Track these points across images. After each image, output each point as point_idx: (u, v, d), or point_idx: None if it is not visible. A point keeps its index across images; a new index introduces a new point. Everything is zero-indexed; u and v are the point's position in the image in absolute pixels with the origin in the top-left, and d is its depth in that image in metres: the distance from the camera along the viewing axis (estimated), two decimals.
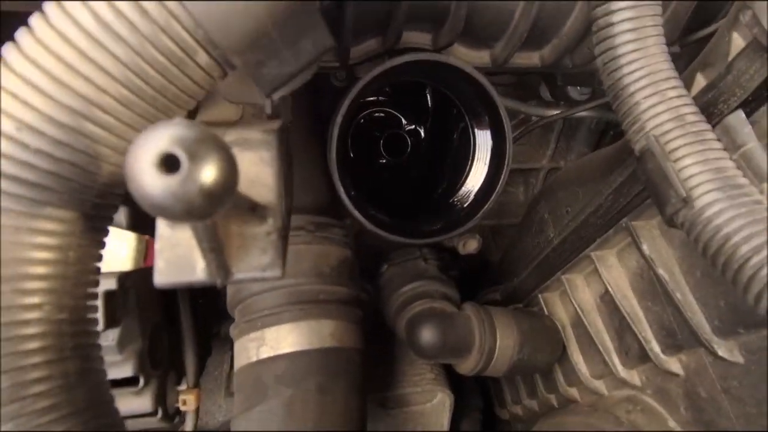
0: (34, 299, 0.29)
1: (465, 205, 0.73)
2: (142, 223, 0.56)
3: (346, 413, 0.54)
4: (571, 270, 0.77)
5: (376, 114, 0.98)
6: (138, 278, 0.62)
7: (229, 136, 0.36)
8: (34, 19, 0.29)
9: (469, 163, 0.72)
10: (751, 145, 0.42)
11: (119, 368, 0.63)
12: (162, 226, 0.32)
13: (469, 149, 0.72)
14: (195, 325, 0.73)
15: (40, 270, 0.29)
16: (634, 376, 0.68)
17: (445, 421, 0.75)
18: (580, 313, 0.75)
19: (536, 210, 0.91)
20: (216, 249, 0.30)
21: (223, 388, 0.89)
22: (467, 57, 0.69)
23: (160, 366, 0.69)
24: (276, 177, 0.34)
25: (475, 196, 0.72)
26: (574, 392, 0.82)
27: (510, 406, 1.06)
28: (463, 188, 0.74)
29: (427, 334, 0.67)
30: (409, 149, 0.93)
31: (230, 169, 0.24)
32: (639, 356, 0.64)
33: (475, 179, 0.71)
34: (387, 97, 0.97)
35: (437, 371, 0.79)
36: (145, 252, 0.53)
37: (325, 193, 0.71)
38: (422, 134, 0.95)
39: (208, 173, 0.23)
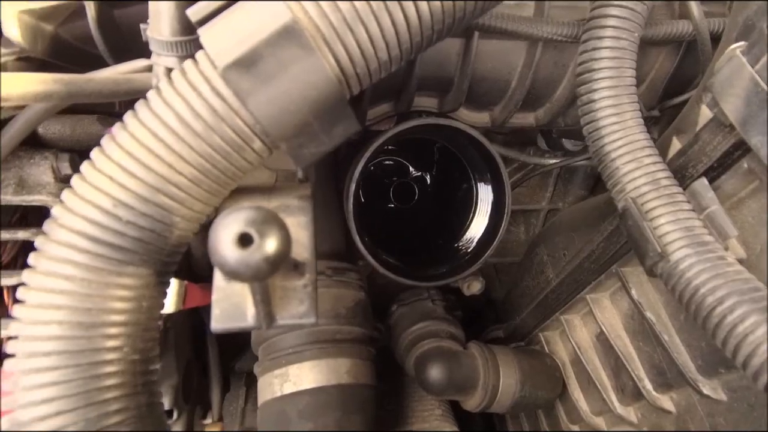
0: (115, 342, 0.35)
1: (468, 251, 0.79)
2: (182, 270, 0.62)
3: None
4: (569, 311, 0.82)
5: (386, 162, 1.06)
6: (177, 319, 0.67)
7: (272, 203, 0.43)
8: (128, 117, 0.36)
9: (472, 212, 0.79)
10: (714, 207, 0.48)
11: None
12: (218, 279, 0.38)
13: (472, 199, 0.79)
14: (220, 362, 0.78)
15: (120, 318, 0.35)
16: (630, 413, 0.72)
17: None
18: (578, 351, 0.80)
19: (536, 252, 0.98)
20: (265, 301, 0.36)
21: (238, 422, 0.92)
22: (469, 118, 0.77)
23: (190, 400, 0.74)
24: (311, 238, 0.41)
25: (477, 242, 0.78)
26: (576, 429, 0.86)
27: None
28: (466, 235, 0.81)
29: (435, 372, 0.72)
30: (416, 197, 1.00)
31: (287, 241, 0.31)
32: (634, 394, 0.69)
33: (477, 228, 0.78)
34: (396, 146, 1.05)
35: (444, 408, 0.83)
36: (185, 295, 0.59)
37: (340, 239, 0.77)
38: (428, 181, 1.02)
39: (272, 246, 0.29)
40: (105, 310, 0.34)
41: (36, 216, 0.59)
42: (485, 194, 0.78)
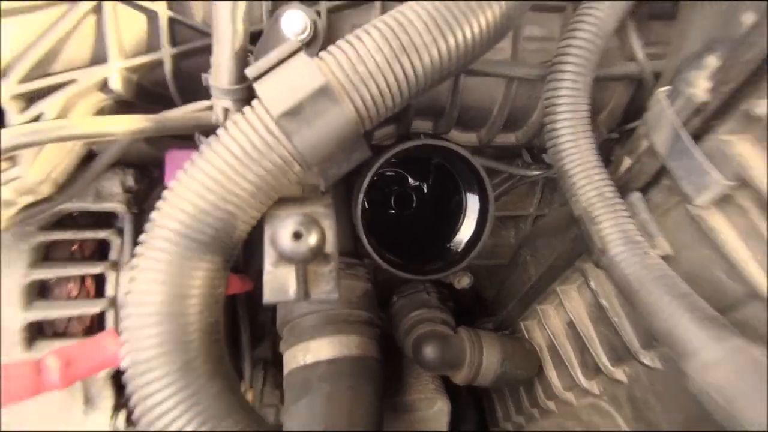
0: (198, 308, 0.49)
1: (458, 250, 0.93)
2: None
3: (370, 407, 0.72)
4: (544, 302, 0.96)
5: (387, 173, 1.20)
6: None
7: (305, 210, 0.57)
8: (204, 148, 0.50)
9: (461, 218, 0.93)
10: (644, 215, 0.62)
11: None
12: (268, 265, 0.52)
13: (461, 207, 0.93)
14: (252, 338, 0.92)
15: (201, 291, 0.49)
16: (593, 386, 0.85)
17: (444, 425, 0.92)
18: (552, 338, 0.93)
19: (520, 253, 1.12)
20: (304, 280, 0.50)
21: (258, 400, 1.06)
22: (459, 138, 0.91)
23: None
24: (334, 236, 0.55)
25: (465, 243, 0.92)
26: (552, 405, 0.99)
27: (501, 423, 1.22)
28: (456, 237, 0.95)
29: (430, 351, 0.85)
30: (414, 204, 1.14)
31: (323, 236, 0.45)
32: (594, 369, 0.82)
33: (465, 231, 0.92)
34: (397, 160, 1.19)
35: (437, 383, 0.96)
36: (228, 284, 0.72)
37: (349, 239, 0.91)
38: (425, 190, 1.16)
39: (314, 239, 0.43)
40: (191, 285, 0.48)
41: (106, 219, 0.73)
42: (473, 203, 0.92)
